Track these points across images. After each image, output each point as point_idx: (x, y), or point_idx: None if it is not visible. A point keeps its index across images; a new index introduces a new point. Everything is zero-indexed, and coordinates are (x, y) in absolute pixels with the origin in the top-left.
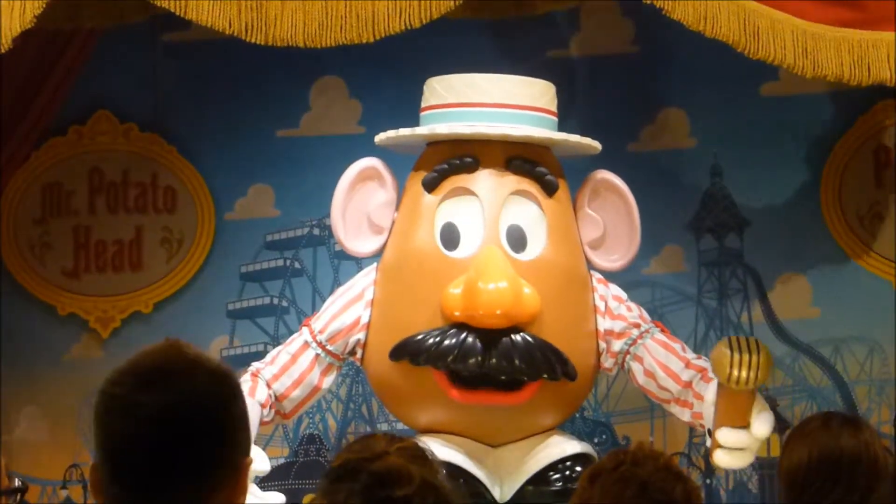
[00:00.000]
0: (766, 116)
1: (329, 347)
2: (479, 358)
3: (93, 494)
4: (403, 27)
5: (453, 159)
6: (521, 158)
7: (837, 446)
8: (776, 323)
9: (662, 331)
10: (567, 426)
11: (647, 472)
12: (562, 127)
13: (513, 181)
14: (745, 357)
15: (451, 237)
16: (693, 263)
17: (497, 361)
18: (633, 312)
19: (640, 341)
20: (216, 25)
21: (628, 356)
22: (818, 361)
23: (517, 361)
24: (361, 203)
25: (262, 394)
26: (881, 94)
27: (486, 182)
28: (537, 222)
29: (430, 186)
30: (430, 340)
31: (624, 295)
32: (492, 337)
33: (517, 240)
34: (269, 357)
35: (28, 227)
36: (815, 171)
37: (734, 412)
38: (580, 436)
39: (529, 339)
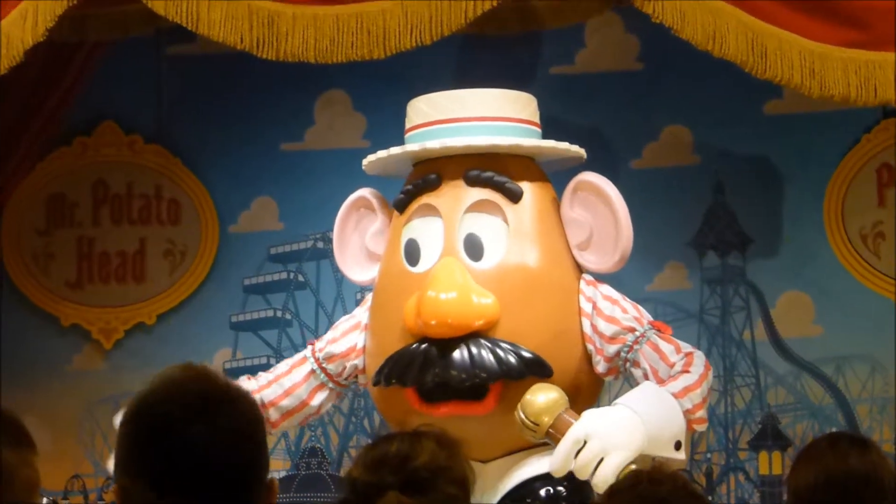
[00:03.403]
0: (770, 134)
1: (326, 366)
2: (438, 369)
3: None
4: (414, 44)
5: (417, 180)
6: (477, 170)
7: (845, 467)
8: (778, 341)
9: (660, 331)
10: None
11: (666, 490)
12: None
13: (473, 193)
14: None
15: (412, 253)
16: (696, 281)
17: (453, 370)
18: (628, 314)
19: (636, 347)
20: (228, 41)
21: (627, 363)
22: (820, 379)
23: (474, 366)
24: (357, 233)
25: None
26: (884, 113)
27: (447, 197)
28: (498, 230)
29: (400, 207)
30: (395, 359)
31: (616, 295)
32: (451, 346)
33: (475, 249)
34: (271, 368)
35: (32, 237)
36: (817, 189)
37: None
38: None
39: (490, 342)
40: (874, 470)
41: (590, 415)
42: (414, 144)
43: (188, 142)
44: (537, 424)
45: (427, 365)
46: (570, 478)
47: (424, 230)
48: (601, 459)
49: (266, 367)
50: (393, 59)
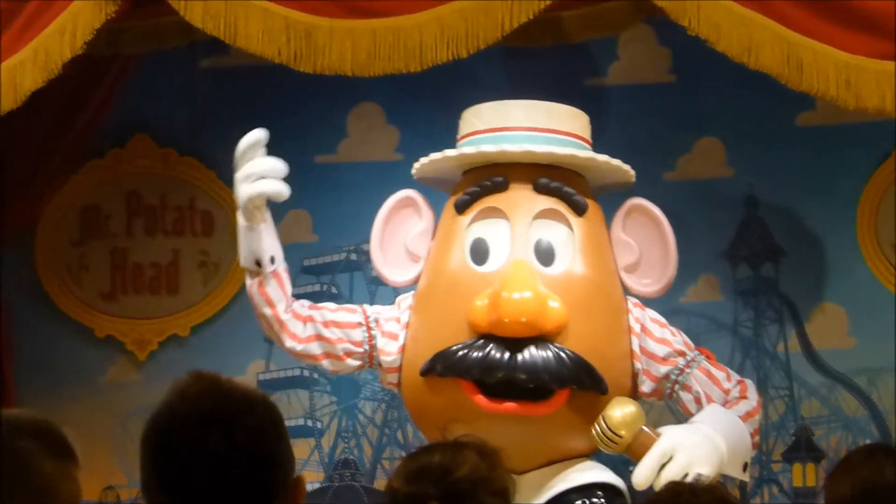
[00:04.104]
0: (803, 146)
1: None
2: (505, 366)
3: None
4: (450, 57)
5: (484, 181)
6: (547, 178)
7: (881, 479)
8: (812, 352)
9: (708, 357)
10: (605, 462)
11: (705, 502)
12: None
13: (541, 201)
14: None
15: (480, 252)
16: (729, 293)
17: (523, 369)
18: (678, 338)
19: (687, 370)
20: (265, 54)
21: (676, 385)
22: (854, 391)
23: (543, 369)
24: (399, 233)
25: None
26: None
27: (515, 202)
28: (566, 240)
29: (461, 208)
30: (457, 352)
31: (663, 319)
32: (518, 346)
33: (545, 254)
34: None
35: (66, 249)
36: (851, 200)
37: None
38: (615, 466)
39: (556, 348)
40: None
41: (675, 430)
42: (490, 146)
43: (222, 154)
44: (619, 437)
45: (493, 361)
46: (605, 490)
47: (492, 231)
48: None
49: (300, 379)
50: (426, 72)
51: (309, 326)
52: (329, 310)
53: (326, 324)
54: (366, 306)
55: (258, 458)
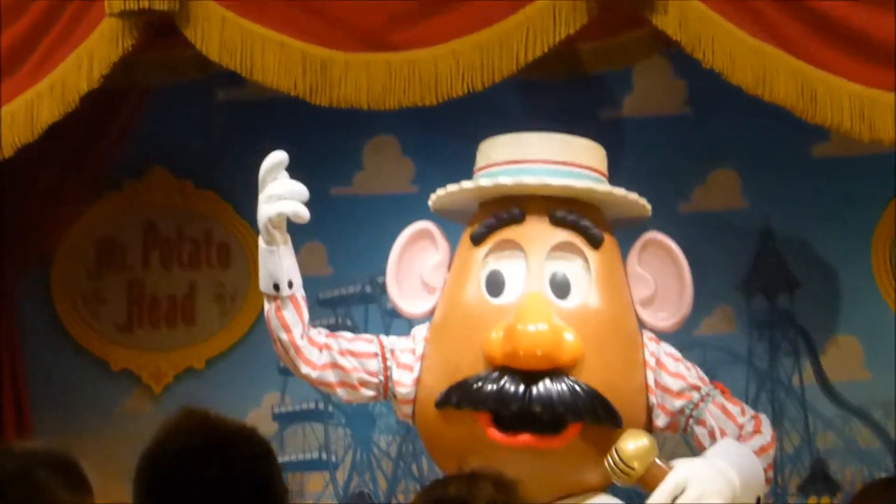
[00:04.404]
0: (818, 177)
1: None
2: (520, 399)
3: None
4: (466, 90)
5: (500, 212)
6: (564, 210)
7: None
8: (827, 384)
9: (723, 391)
10: (622, 495)
11: None
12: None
13: (557, 234)
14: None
15: (495, 284)
16: (744, 324)
17: (537, 402)
18: (692, 373)
19: (701, 404)
20: (282, 87)
21: (691, 420)
22: (869, 424)
23: (557, 401)
24: (415, 264)
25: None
26: None
27: (531, 234)
28: (582, 273)
29: (477, 240)
30: (472, 384)
31: (678, 353)
32: (533, 379)
33: (561, 287)
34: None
35: (82, 281)
36: (866, 232)
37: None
38: (631, 499)
39: (571, 381)
40: None
41: (687, 463)
42: (507, 178)
43: (238, 186)
44: (631, 469)
45: (508, 393)
46: None
47: (508, 263)
48: None
49: (315, 412)
50: (442, 104)
51: (325, 354)
52: (346, 339)
53: (342, 352)
54: (382, 337)
55: (251, 490)
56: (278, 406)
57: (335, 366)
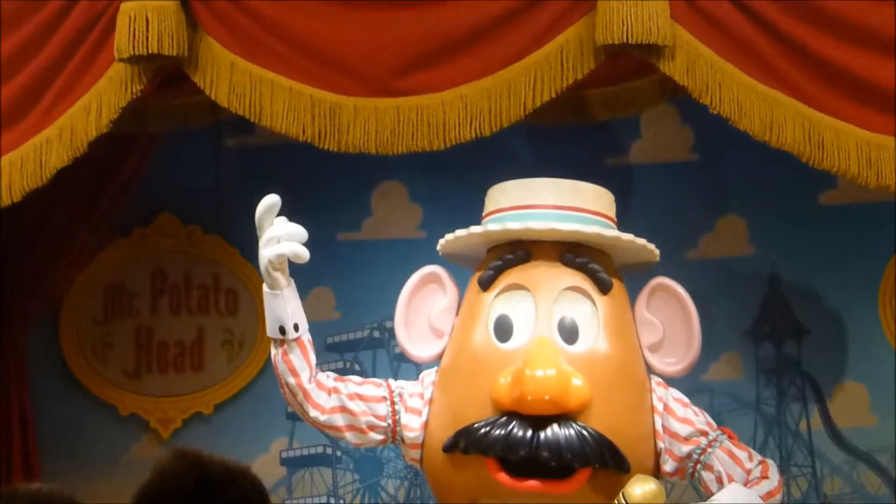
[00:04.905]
0: (825, 224)
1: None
2: (528, 444)
3: None
4: (474, 135)
5: (507, 255)
6: (573, 254)
7: None
8: (834, 430)
9: (730, 437)
10: None
11: None
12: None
13: (566, 277)
14: None
15: (503, 329)
16: (751, 371)
17: (545, 447)
18: (700, 418)
19: (709, 450)
20: (290, 132)
21: (699, 465)
22: (876, 469)
23: (565, 447)
24: (423, 309)
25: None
26: None
27: (539, 278)
28: (590, 317)
29: (485, 284)
30: (480, 429)
31: (686, 399)
32: (541, 424)
33: (569, 332)
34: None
35: (90, 327)
36: (873, 279)
37: None
38: None
39: (579, 426)
40: None
41: None
42: (515, 223)
43: (246, 232)
44: None
45: (516, 439)
46: None
47: (516, 307)
48: None
49: (323, 457)
50: (449, 150)
51: (334, 398)
52: (354, 382)
53: (351, 396)
54: (391, 381)
55: None
56: (286, 451)
57: (344, 409)
